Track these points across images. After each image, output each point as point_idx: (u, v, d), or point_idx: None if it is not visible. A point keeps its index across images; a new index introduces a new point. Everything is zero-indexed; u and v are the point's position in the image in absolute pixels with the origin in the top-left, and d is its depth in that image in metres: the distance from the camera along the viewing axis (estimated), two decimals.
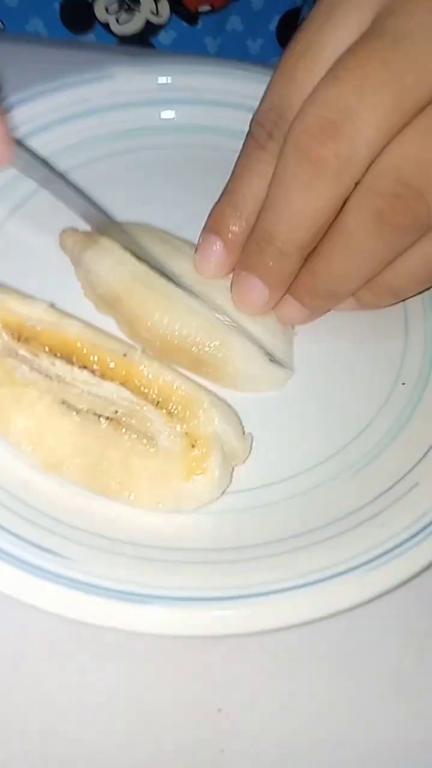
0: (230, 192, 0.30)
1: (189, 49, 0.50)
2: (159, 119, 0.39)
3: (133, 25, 0.50)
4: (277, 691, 0.25)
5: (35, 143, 0.36)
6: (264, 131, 0.28)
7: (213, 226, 0.30)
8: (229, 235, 0.29)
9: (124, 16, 0.49)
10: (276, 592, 0.24)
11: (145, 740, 0.24)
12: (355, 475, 0.28)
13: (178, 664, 0.25)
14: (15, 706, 0.24)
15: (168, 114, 0.39)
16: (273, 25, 0.51)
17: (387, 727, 0.25)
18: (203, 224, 0.31)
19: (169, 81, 0.39)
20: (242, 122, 0.39)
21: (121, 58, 0.40)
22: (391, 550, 0.25)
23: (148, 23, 0.50)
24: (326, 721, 0.25)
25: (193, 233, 0.32)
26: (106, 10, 0.49)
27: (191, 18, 0.50)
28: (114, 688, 0.25)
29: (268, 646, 0.26)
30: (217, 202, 0.30)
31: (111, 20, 0.49)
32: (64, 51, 0.45)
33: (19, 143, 0.32)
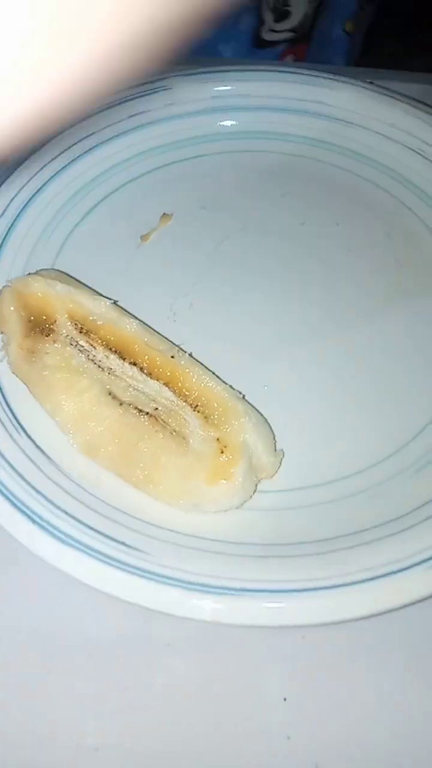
0: None
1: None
2: (215, 127, 0.40)
3: None
4: (340, 681, 0.26)
5: (100, 154, 0.38)
6: None
7: None
8: None
9: None
10: (341, 585, 0.24)
11: (214, 725, 0.25)
12: (416, 474, 0.28)
13: (245, 654, 0.26)
14: (86, 688, 0.26)
15: (225, 122, 0.40)
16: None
17: None
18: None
19: (226, 89, 0.40)
20: (296, 126, 0.40)
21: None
22: None
23: None
24: (388, 713, 0.25)
25: (251, 233, 0.33)
26: None
27: None
28: (183, 676, 0.26)
29: (331, 639, 0.26)
30: None
31: None
32: None
33: None
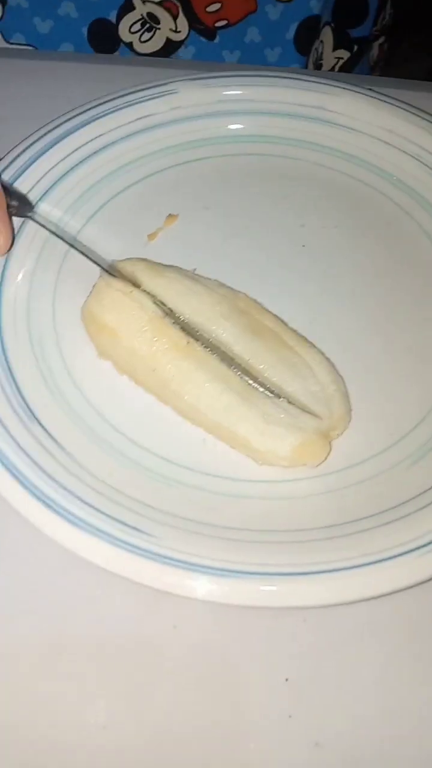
0: None
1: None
2: (220, 130, 0.41)
3: (154, 43, 0.52)
4: (340, 662, 0.27)
5: (108, 155, 0.39)
6: None
7: None
8: None
9: (146, 35, 0.52)
10: (340, 569, 0.26)
11: (218, 704, 0.26)
12: (414, 464, 0.30)
13: (248, 636, 0.27)
14: (95, 670, 0.27)
15: (230, 126, 0.41)
16: (290, 34, 0.53)
17: None
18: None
19: (231, 94, 0.41)
20: (298, 130, 0.41)
21: (168, 74, 0.42)
22: None
23: (168, 41, 0.52)
24: (386, 693, 0.26)
25: (253, 234, 0.34)
26: (129, 30, 0.51)
27: (209, 33, 0.52)
28: (188, 657, 0.27)
29: (332, 621, 0.28)
30: None
31: (134, 39, 0.52)
32: (103, 67, 0.47)
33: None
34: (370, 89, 0.43)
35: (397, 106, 0.41)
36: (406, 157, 0.40)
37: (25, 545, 0.28)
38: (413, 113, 0.41)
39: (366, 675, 0.27)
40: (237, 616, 0.28)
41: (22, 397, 0.30)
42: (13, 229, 0.34)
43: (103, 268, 0.33)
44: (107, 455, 0.29)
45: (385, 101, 0.41)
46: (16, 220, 0.35)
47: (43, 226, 0.35)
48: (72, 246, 0.35)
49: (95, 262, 0.34)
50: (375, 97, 0.42)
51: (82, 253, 0.34)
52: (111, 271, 0.33)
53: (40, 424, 0.29)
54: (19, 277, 0.34)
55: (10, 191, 0.35)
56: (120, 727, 0.26)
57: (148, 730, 0.26)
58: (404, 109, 0.41)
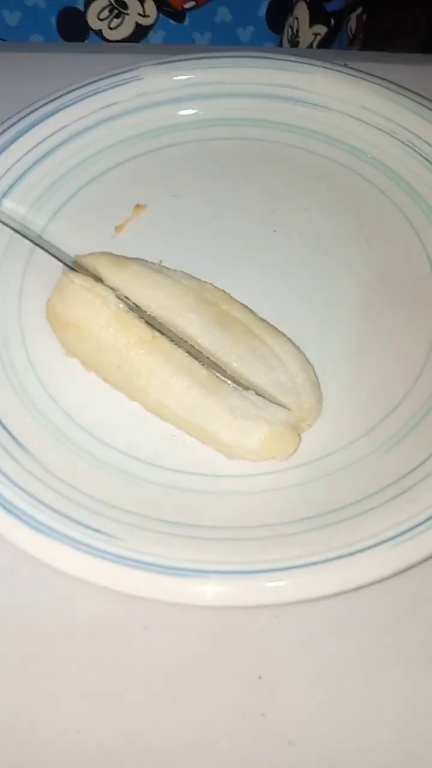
0: None
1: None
2: (187, 115, 0.40)
3: (123, 29, 0.51)
4: (313, 659, 0.26)
5: (72, 147, 0.38)
6: None
7: None
8: None
9: (114, 21, 0.51)
10: (308, 565, 0.25)
11: (191, 703, 0.26)
12: (386, 453, 0.29)
13: (220, 635, 0.27)
14: (67, 673, 0.26)
15: (196, 110, 0.40)
16: (262, 11, 0.52)
17: (423, 698, 0.26)
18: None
19: (196, 77, 0.40)
20: (267, 111, 0.40)
21: (136, 59, 0.40)
22: (422, 524, 0.25)
23: (137, 26, 0.51)
24: (360, 689, 0.26)
25: (224, 222, 0.33)
26: (98, 17, 0.50)
27: (178, 16, 0.51)
28: (161, 658, 0.27)
29: (305, 618, 0.27)
30: None
31: (103, 27, 0.51)
32: (70, 55, 0.45)
33: None
34: (344, 65, 0.41)
35: (370, 81, 0.40)
36: (381, 135, 0.39)
37: None
38: (388, 88, 0.40)
39: (341, 671, 0.26)
40: (209, 614, 0.27)
41: None
42: None
43: (65, 264, 0.33)
44: (72, 455, 0.29)
45: (357, 76, 0.40)
46: None
47: (6, 224, 0.34)
48: (35, 243, 0.34)
49: (58, 258, 0.33)
50: (347, 73, 0.40)
51: (45, 250, 0.34)
52: (74, 266, 0.33)
53: (2, 424, 0.28)
54: None
55: None
56: (94, 731, 0.25)
57: (121, 732, 0.25)
58: (378, 84, 0.40)
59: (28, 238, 0.34)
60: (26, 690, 0.26)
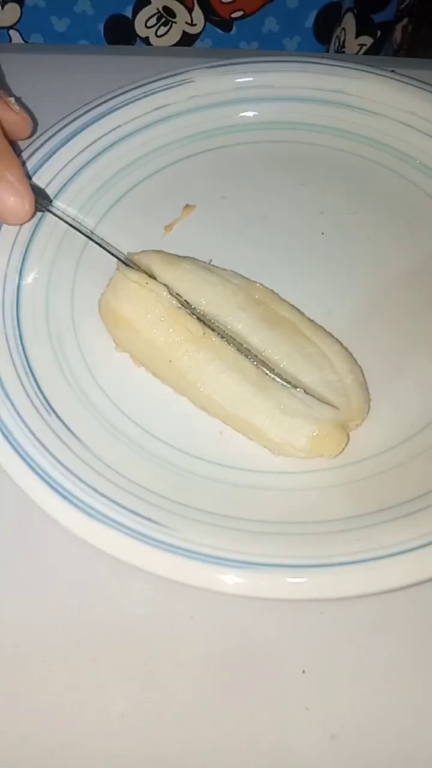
0: None
1: None
2: (238, 118, 0.41)
3: (170, 37, 0.52)
4: (356, 655, 0.27)
5: (125, 147, 0.39)
6: None
7: None
8: None
9: (161, 29, 0.51)
10: (355, 562, 0.25)
11: (235, 695, 0.26)
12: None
13: (264, 629, 0.27)
14: (118, 657, 0.27)
15: (247, 113, 0.41)
16: (309, 22, 0.52)
17: None
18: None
19: (248, 80, 0.41)
20: (317, 115, 0.41)
21: (187, 62, 0.41)
22: None
23: (184, 34, 0.52)
24: (402, 685, 0.26)
25: (272, 223, 0.33)
26: (146, 24, 0.51)
27: (225, 25, 0.52)
28: (207, 648, 0.27)
29: (349, 614, 0.27)
30: None
31: (150, 34, 0.52)
32: (122, 58, 0.47)
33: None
34: (392, 71, 0.41)
35: (419, 87, 0.40)
36: (429, 140, 0.39)
37: (44, 537, 0.28)
38: None
39: (384, 668, 0.26)
40: (253, 607, 0.28)
41: (41, 390, 0.30)
42: (33, 197, 0.33)
43: (119, 260, 0.34)
44: (124, 447, 0.29)
45: (406, 83, 0.40)
46: (36, 215, 0.35)
47: (61, 218, 0.35)
48: (89, 238, 0.35)
49: (112, 254, 0.34)
50: (396, 79, 0.40)
51: (100, 245, 0.34)
52: (127, 262, 0.33)
53: (58, 416, 0.29)
54: (38, 271, 0.34)
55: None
56: (138, 715, 0.26)
57: (164, 718, 0.26)
58: (427, 91, 0.40)
59: (82, 233, 0.35)
60: (74, 674, 0.27)
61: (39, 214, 0.36)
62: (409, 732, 0.25)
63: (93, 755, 0.25)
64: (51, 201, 0.36)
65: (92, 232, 0.36)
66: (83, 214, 0.37)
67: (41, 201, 0.35)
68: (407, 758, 0.25)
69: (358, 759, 0.25)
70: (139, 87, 0.41)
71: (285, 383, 0.30)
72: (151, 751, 0.25)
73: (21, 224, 0.34)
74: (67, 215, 0.36)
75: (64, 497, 0.26)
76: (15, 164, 0.32)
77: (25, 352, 0.31)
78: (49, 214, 0.36)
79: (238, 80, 0.41)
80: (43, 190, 0.36)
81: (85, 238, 0.35)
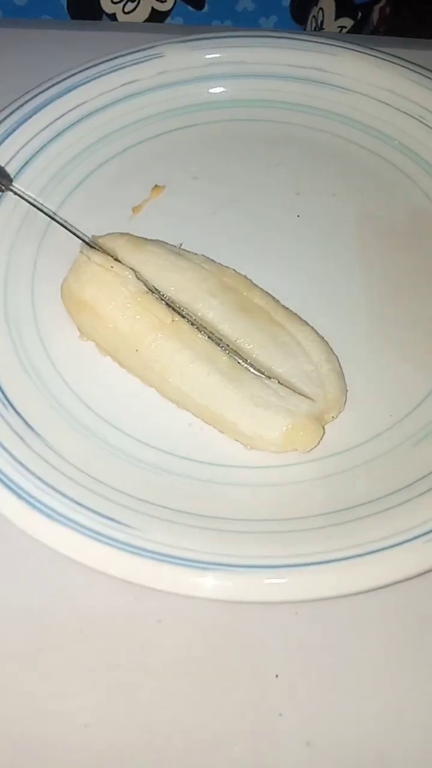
0: None
1: None
2: (208, 94, 0.39)
3: (138, 14, 0.49)
4: (331, 658, 0.26)
5: (91, 124, 0.37)
6: None
7: None
8: None
9: (129, 5, 0.49)
10: (337, 560, 0.24)
11: (206, 701, 0.25)
12: (414, 446, 0.28)
13: (236, 631, 0.26)
14: (81, 663, 0.25)
15: (217, 89, 0.39)
16: (286, 1, 0.50)
17: None
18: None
19: (218, 56, 0.39)
20: (293, 93, 0.39)
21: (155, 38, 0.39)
22: None
23: (153, 11, 0.49)
24: (379, 690, 0.25)
25: (246, 205, 0.32)
26: (112, 0, 0.49)
27: (197, 2, 0.49)
28: (174, 653, 0.26)
29: (324, 615, 0.26)
30: None
31: (117, 10, 0.49)
32: (86, 33, 0.45)
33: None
34: (370, 48, 0.40)
35: (398, 65, 0.39)
36: (408, 119, 0.38)
37: (3, 536, 0.27)
38: (416, 72, 0.38)
39: (359, 671, 0.25)
40: (225, 609, 0.26)
41: None
42: None
43: (84, 241, 0.32)
44: (88, 442, 0.28)
45: (385, 59, 0.39)
46: None
47: (23, 197, 0.33)
48: (53, 218, 0.33)
49: (76, 235, 0.32)
50: (373, 55, 0.39)
51: (63, 226, 0.32)
52: (92, 244, 0.32)
53: (15, 410, 0.27)
54: None
55: None
56: (103, 726, 0.24)
57: (132, 728, 0.24)
58: (407, 68, 0.39)
59: (45, 213, 0.33)
60: (38, 681, 0.25)
61: None
62: (386, 737, 0.24)
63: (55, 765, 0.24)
64: (11, 180, 0.34)
65: (55, 213, 0.34)
66: (45, 194, 0.35)
67: (1, 180, 0.33)
68: (385, 765, 0.24)
69: (335, 766, 0.24)
70: (106, 62, 0.39)
71: (258, 373, 0.29)
72: (117, 763, 0.24)
73: None
74: (29, 195, 0.34)
75: (21, 497, 0.25)
76: None
77: None
78: (10, 193, 0.33)
79: (211, 55, 0.39)
80: (3, 168, 0.34)
81: (48, 218, 0.33)
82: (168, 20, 0.50)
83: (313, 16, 0.52)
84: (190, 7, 0.50)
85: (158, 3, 0.49)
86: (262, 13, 0.51)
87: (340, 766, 0.24)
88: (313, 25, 0.53)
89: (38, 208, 0.33)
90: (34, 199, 0.34)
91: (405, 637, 0.26)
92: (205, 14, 0.50)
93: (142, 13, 0.50)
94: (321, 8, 0.52)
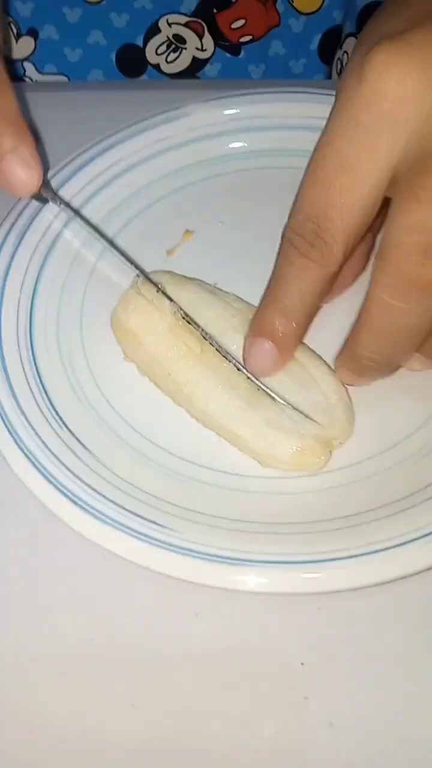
0: (276, 299, 0.31)
1: (234, 78, 0.55)
2: (238, 147, 0.43)
3: (180, 62, 0.54)
4: (353, 648, 0.28)
5: (128, 178, 0.42)
6: (305, 241, 0.30)
7: (261, 330, 0.32)
8: (279, 336, 0.31)
9: (171, 55, 0.53)
10: (350, 557, 0.27)
11: (238, 687, 0.28)
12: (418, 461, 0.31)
13: (265, 624, 0.29)
14: (120, 656, 0.29)
15: (237, 144, 0.44)
16: (314, 45, 0.54)
17: None
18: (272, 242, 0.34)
19: (237, 112, 0.43)
20: (306, 141, 0.43)
21: (189, 95, 0.44)
22: None
23: (194, 59, 0.54)
24: (398, 675, 0.28)
25: (268, 246, 0.36)
26: (156, 52, 0.53)
27: (234, 49, 0.54)
28: (211, 643, 0.29)
29: (345, 609, 0.29)
30: (261, 308, 0.32)
31: (161, 61, 0.54)
32: (128, 93, 0.49)
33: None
34: None
35: None
36: None
37: (57, 543, 0.30)
38: None
39: (379, 660, 0.28)
40: (255, 604, 0.29)
41: (53, 406, 0.32)
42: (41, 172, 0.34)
43: (140, 271, 0.36)
44: (129, 456, 0.32)
45: None
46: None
47: (88, 223, 0.37)
48: (111, 245, 0.37)
49: (133, 264, 0.36)
50: None
51: (121, 254, 0.36)
52: (145, 276, 0.35)
53: (69, 430, 0.32)
54: (49, 294, 0.37)
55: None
56: (148, 705, 0.27)
57: (174, 708, 0.27)
58: None
59: (105, 239, 0.37)
60: (82, 671, 0.28)
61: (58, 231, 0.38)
62: (405, 718, 0.27)
63: (109, 741, 0.27)
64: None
65: (111, 242, 0.38)
66: (91, 240, 0.40)
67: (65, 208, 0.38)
68: (402, 742, 0.27)
69: (355, 744, 0.27)
70: (140, 122, 0.43)
71: (274, 400, 0.32)
72: (162, 736, 0.27)
73: (25, 197, 0.36)
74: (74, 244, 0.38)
75: (75, 503, 0.29)
76: (29, 140, 0.33)
77: (37, 369, 0.33)
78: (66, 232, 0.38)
79: (232, 112, 0.43)
80: (69, 203, 0.39)
81: (95, 259, 0.38)
82: (207, 66, 0.54)
83: (338, 59, 0.56)
84: (227, 54, 0.54)
85: (199, 52, 0.54)
86: (292, 56, 0.55)
87: (360, 743, 0.27)
88: (339, 67, 0.56)
89: (97, 236, 0.37)
90: (89, 233, 0.38)
91: (421, 629, 0.29)
92: (241, 59, 0.54)
93: (184, 61, 0.54)
94: (345, 51, 0.56)
